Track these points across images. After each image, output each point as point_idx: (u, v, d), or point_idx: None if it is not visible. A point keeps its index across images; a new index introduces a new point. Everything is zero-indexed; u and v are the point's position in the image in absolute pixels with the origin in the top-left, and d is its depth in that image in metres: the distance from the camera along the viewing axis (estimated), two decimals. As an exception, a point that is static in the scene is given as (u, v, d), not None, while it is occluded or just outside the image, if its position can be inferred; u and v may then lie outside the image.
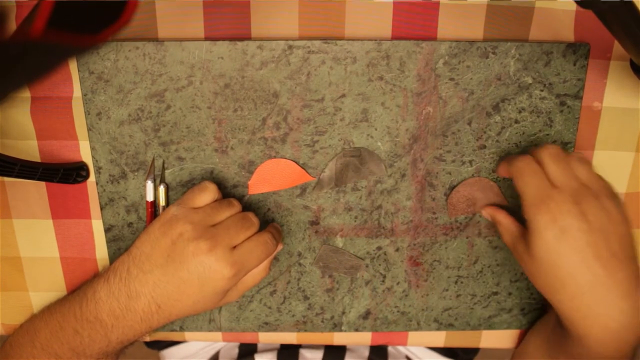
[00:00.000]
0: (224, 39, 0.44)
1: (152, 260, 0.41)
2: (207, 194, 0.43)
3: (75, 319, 0.43)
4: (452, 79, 0.46)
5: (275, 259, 0.51)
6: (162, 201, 0.48)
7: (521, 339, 0.56)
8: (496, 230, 0.48)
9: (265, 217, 0.49)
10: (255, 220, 0.43)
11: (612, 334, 0.38)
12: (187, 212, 0.42)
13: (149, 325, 0.42)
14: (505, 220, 0.45)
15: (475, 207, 0.50)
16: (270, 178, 0.48)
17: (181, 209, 0.42)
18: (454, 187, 0.49)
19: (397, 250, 0.51)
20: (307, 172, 0.48)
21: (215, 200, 0.44)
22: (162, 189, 0.47)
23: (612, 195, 0.41)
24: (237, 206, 0.44)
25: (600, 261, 0.38)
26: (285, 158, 0.47)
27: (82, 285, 0.46)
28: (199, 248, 0.39)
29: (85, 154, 0.48)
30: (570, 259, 0.38)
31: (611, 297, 0.38)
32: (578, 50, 0.45)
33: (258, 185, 0.48)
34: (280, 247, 0.46)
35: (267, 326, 0.53)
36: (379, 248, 0.51)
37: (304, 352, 0.63)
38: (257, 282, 0.45)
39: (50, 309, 0.47)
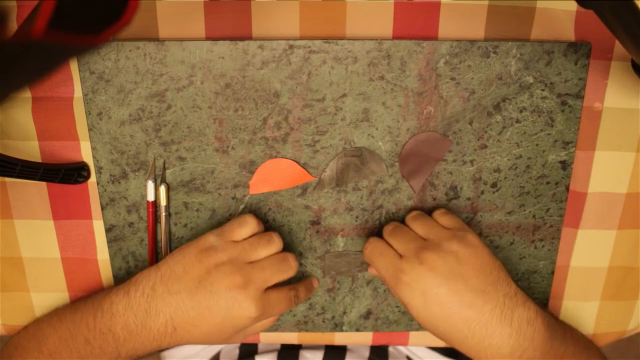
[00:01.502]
0: (224, 39, 0.44)
1: (182, 282, 0.41)
2: (247, 228, 0.43)
3: (88, 329, 0.43)
4: (453, 79, 0.46)
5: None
6: (162, 201, 0.48)
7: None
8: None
9: (266, 217, 0.49)
10: (293, 264, 0.44)
11: (507, 357, 0.40)
12: (226, 245, 0.42)
13: (159, 345, 0.42)
14: (384, 266, 0.45)
15: (426, 164, 0.48)
16: (271, 178, 0.48)
17: (221, 240, 0.42)
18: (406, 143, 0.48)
19: (398, 250, 0.51)
20: (308, 172, 0.48)
21: (256, 234, 0.44)
22: (162, 189, 0.47)
23: (455, 234, 0.42)
24: (277, 243, 0.44)
25: (464, 303, 0.39)
26: (286, 158, 0.47)
27: (94, 294, 0.46)
28: (233, 283, 0.40)
29: (86, 154, 0.48)
30: (441, 315, 0.40)
31: (490, 329, 0.39)
32: (579, 49, 0.45)
33: (259, 185, 0.48)
34: (316, 284, 0.51)
35: (268, 326, 0.53)
36: (380, 248, 0.51)
37: (304, 353, 0.63)
38: (264, 329, 0.46)
39: (59, 316, 0.46)
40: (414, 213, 0.46)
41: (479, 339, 0.40)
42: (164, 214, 0.48)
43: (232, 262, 0.41)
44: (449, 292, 0.39)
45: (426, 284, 0.40)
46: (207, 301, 0.40)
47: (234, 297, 0.40)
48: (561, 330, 0.44)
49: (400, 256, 0.42)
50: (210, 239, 0.43)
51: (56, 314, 0.47)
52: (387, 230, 0.46)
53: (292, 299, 0.45)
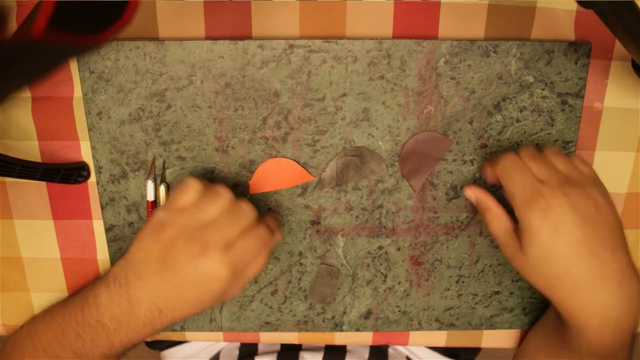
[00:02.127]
0: (224, 38, 0.44)
1: (147, 267, 0.40)
2: (191, 192, 0.41)
3: (77, 323, 0.43)
4: (453, 78, 0.46)
5: (276, 258, 0.51)
6: (162, 201, 0.48)
7: (523, 338, 0.56)
8: (481, 215, 0.46)
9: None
10: (248, 210, 0.41)
11: (610, 323, 0.39)
12: (174, 216, 0.40)
13: (153, 328, 0.42)
14: (497, 210, 0.43)
15: (427, 164, 0.48)
16: (271, 177, 0.48)
17: (168, 213, 0.40)
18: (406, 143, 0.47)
19: (398, 249, 0.51)
20: (308, 172, 0.48)
21: (203, 195, 0.41)
22: (162, 189, 0.47)
23: (597, 183, 0.41)
24: (224, 195, 0.41)
25: (594, 253, 0.38)
26: (286, 157, 0.47)
27: (83, 288, 0.46)
28: (191, 253, 0.38)
29: (86, 154, 0.48)
30: (566, 255, 0.38)
31: (607, 286, 0.38)
32: (579, 48, 0.45)
33: (259, 184, 0.48)
34: (279, 237, 0.45)
35: (268, 326, 0.53)
36: (380, 247, 0.51)
37: (304, 354, 0.63)
38: (257, 273, 0.44)
39: (51, 312, 0.46)
40: (554, 149, 0.42)
41: (592, 292, 0.38)
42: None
43: (184, 232, 0.39)
44: (584, 234, 0.37)
45: (564, 217, 0.37)
46: (176, 278, 0.39)
47: (197, 267, 0.38)
48: None
49: (540, 181, 0.39)
50: (159, 214, 0.41)
51: (49, 310, 0.47)
52: (526, 153, 0.41)
53: (264, 235, 0.41)
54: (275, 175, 0.48)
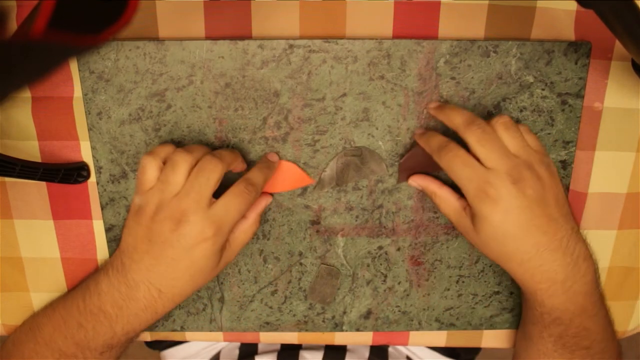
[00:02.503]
0: (224, 38, 0.44)
1: (138, 249, 0.41)
2: (149, 171, 0.41)
3: (79, 312, 0.43)
4: (453, 78, 0.46)
5: (276, 258, 0.51)
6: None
7: (522, 338, 0.56)
8: (431, 199, 0.47)
9: (266, 217, 0.49)
10: (215, 163, 0.40)
11: (558, 285, 0.41)
12: (146, 196, 0.41)
13: (155, 311, 0.42)
14: (442, 193, 0.45)
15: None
16: (272, 180, 0.48)
17: (139, 195, 0.42)
18: (406, 153, 0.48)
19: (398, 249, 0.51)
20: (308, 173, 0.48)
21: (164, 167, 0.41)
22: None
23: (543, 157, 0.42)
24: (184, 159, 0.40)
25: (541, 229, 0.40)
26: (286, 158, 0.47)
27: (83, 280, 0.46)
28: (172, 223, 0.39)
29: (86, 154, 0.48)
30: (515, 234, 0.40)
31: (555, 255, 0.40)
32: (579, 48, 0.45)
33: None
34: (269, 198, 0.47)
35: (268, 326, 0.53)
36: (380, 247, 0.51)
37: (304, 354, 0.63)
38: (250, 236, 0.45)
39: (52, 305, 0.47)
40: (505, 119, 0.42)
41: (540, 262, 0.41)
42: None
43: (160, 207, 0.40)
44: (531, 215, 0.39)
45: (512, 204, 0.39)
46: (165, 252, 0.40)
47: (181, 235, 0.39)
48: (601, 289, 0.45)
49: (486, 167, 0.40)
50: (134, 200, 0.42)
51: (50, 304, 0.48)
52: (475, 134, 0.41)
53: (244, 190, 0.41)
54: (275, 178, 0.48)
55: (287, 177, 0.48)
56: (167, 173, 0.41)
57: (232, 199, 0.41)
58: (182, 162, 0.40)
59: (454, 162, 0.41)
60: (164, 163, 0.42)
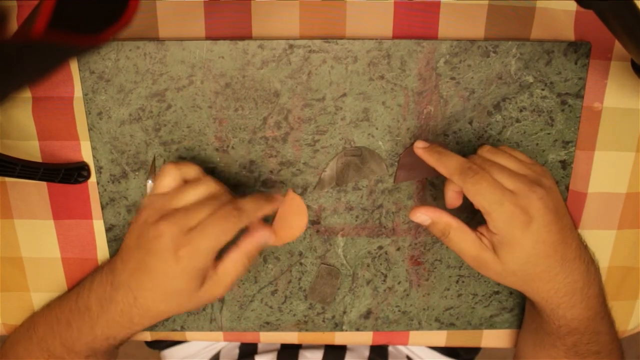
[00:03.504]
0: (224, 39, 0.44)
1: (129, 250, 0.40)
2: (168, 178, 0.40)
3: (70, 310, 0.43)
4: (453, 78, 0.46)
5: (276, 258, 0.51)
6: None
7: (522, 338, 0.56)
8: (441, 235, 0.42)
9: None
10: (220, 193, 0.39)
11: (578, 294, 0.41)
12: (152, 198, 0.40)
13: (130, 319, 0.41)
14: (459, 225, 0.41)
15: (416, 173, 0.48)
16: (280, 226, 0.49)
17: (149, 196, 0.41)
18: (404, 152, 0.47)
19: (398, 249, 0.51)
20: (308, 173, 0.48)
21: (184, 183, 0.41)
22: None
23: (545, 171, 0.42)
24: (206, 184, 0.39)
25: (565, 242, 0.40)
26: (287, 158, 0.47)
27: (82, 279, 0.47)
28: (157, 230, 0.37)
29: (86, 154, 0.48)
30: (546, 252, 0.39)
31: (574, 265, 0.41)
32: (579, 48, 0.45)
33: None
34: (270, 236, 0.41)
35: (268, 326, 0.53)
36: (380, 247, 0.51)
37: (304, 353, 0.63)
38: (240, 270, 0.41)
39: (49, 304, 0.47)
40: (488, 147, 0.41)
41: (565, 274, 0.40)
42: None
43: (155, 212, 0.39)
44: (557, 228, 0.39)
45: (543, 220, 0.38)
46: (145, 258, 0.38)
47: (159, 244, 0.37)
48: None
49: (511, 191, 0.38)
50: (143, 199, 0.42)
51: (48, 304, 0.48)
52: (485, 161, 0.40)
53: (228, 215, 0.38)
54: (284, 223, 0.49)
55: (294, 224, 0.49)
56: (184, 189, 0.39)
57: (212, 221, 0.38)
58: (205, 192, 0.39)
59: (483, 185, 0.38)
60: (185, 181, 0.41)
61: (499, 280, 0.42)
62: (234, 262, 0.40)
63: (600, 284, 0.43)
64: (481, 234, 0.41)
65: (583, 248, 0.42)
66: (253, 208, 0.40)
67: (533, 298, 0.43)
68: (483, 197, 0.38)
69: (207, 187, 0.40)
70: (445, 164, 0.40)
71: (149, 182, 0.47)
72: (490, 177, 0.39)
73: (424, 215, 0.42)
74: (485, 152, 0.41)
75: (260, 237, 0.41)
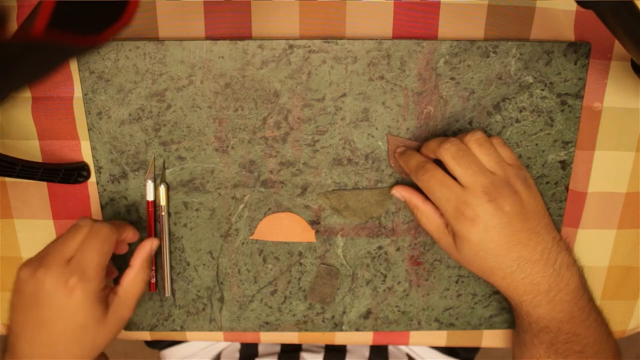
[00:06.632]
0: (224, 39, 0.44)
1: (18, 321, 0.39)
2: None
3: None
4: (452, 78, 0.46)
5: (276, 258, 0.51)
6: (162, 201, 0.48)
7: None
8: (412, 213, 0.46)
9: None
10: (84, 222, 0.41)
11: (542, 296, 0.42)
12: (24, 263, 0.40)
13: None
14: (425, 208, 0.44)
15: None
16: (275, 230, 0.49)
17: (21, 266, 0.40)
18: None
19: (397, 249, 0.51)
20: (308, 173, 0.48)
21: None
22: (162, 189, 0.47)
23: (519, 171, 0.42)
24: (78, 228, 0.40)
25: (522, 243, 0.40)
26: (286, 158, 0.47)
27: None
28: (37, 279, 0.38)
29: (86, 154, 0.48)
30: (496, 251, 0.40)
31: (536, 267, 0.41)
32: (579, 49, 0.45)
33: (262, 234, 0.50)
34: (154, 241, 0.45)
35: (268, 326, 0.53)
36: (380, 248, 0.51)
37: (304, 355, 0.63)
38: (141, 285, 0.43)
39: None
40: (478, 135, 0.41)
41: (524, 275, 0.41)
42: (163, 213, 0.48)
43: (38, 265, 0.39)
44: (510, 231, 0.39)
45: (491, 221, 0.39)
46: (40, 315, 0.38)
47: (47, 290, 0.38)
48: (590, 292, 0.45)
49: (463, 186, 0.40)
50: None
51: None
52: (449, 151, 0.40)
53: (100, 231, 0.40)
54: (279, 227, 0.49)
55: (290, 229, 0.49)
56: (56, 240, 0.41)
57: (89, 242, 0.40)
58: (78, 228, 0.41)
59: (431, 183, 0.41)
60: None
61: (463, 265, 0.44)
62: (132, 279, 0.43)
63: (580, 289, 0.42)
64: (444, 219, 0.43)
65: (557, 253, 0.41)
66: (118, 222, 0.44)
67: (500, 291, 0.44)
68: (432, 194, 0.41)
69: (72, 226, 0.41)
70: (408, 163, 0.44)
71: (149, 183, 0.47)
72: (441, 174, 0.41)
73: (398, 193, 0.47)
74: (471, 140, 0.41)
75: (146, 246, 0.45)
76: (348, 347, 0.65)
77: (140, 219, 0.49)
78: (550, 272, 0.41)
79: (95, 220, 0.42)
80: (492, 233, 0.39)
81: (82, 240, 0.40)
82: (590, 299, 0.44)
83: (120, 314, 0.42)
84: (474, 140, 0.41)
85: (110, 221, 0.43)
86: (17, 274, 0.39)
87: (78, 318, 0.39)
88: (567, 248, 0.43)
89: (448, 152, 0.41)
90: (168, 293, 0.51)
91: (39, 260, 0.39)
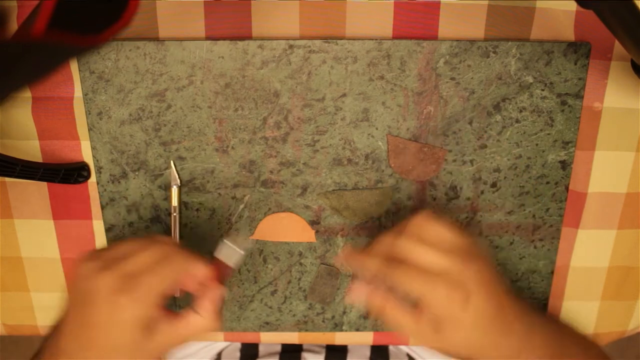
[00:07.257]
0: (224, 39, 0.44)
1: (68, 316, 0.38)
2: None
3: None
4: (452, 79, 0.46)
5: (276, 258, 0.51)
6: (174, 202, 0.48)
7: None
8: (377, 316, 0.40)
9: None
10: (164, 241, 0.39)
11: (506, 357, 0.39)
12: (91, 253, 0.39)
13: None
14: (402, 319, 0.38)
15: (410, 173, 0.48)
16: (275, 230, 0.49)
17: (87, 252, 0.39)
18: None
19: (398, 249, 0.51)
20: (307, 173, 0.48)
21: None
22: (174, 189, 0.47)
23: (468, 266, 0.38)
24: (154, 246, 0.38)
25: (499, 318, 0.38)
26: (286, 158, 0.47)
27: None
28: (95, 281, 0.36)
29: (86, 154, 0.48)
30: (485, 330, 0.38)
31: (507, 338, 0.39)
32: (579, 49, 0.45)
33: (262, 234, 0.50)
34: (222, 289, 0.40)
35: (268, 326, 0.53)
36: (380, 248, 0.51)
37: (305, 355, 0.63)
38: (203, 337, 0.40)
39: None
40: (420, 222, 0.38)
41: (495, 348, 0.39)
42: (175, 214, 0.48)
43: (99, 263, 0.37)
44: (496, 298, 0.38)
45: (480, 294, 0.37)
46: (89, 313, 0.37)
47: (96, 288, 0.36)
48: (559, 332, 0.43)
49: (437, 274, 0.36)
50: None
51: None
52: (391, 270, 0.37)
53: (168, 252, 0.38)
54: (279, 227, 0.49)
55: (290, 228, 0.49)
56: (124, 242, 0.39)
57: (155, 266, 0.37)
58: (159, 243, 0.39)
59: (409, 277, 0.36)
60: None
61: (438, 351, 0.40)
62: (199, 329, 0.39)
63: (553, 347, 0.41)
64: (420, 311, 0.38)
65: (521, 317, 0.40)
66: (193, 256, 0.39)
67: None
68: (413, 287, 0.36)
69: (149, 237, 0.39)
70: (368, 266, 0.39)
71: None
72: (414, 264, 0.37)
73: (356, 297, 0.40)
74: (415, 227, 0.39)
75: (217, 294, 0.40)
76: (349, 347, 0.65)
77: (140, 219, 0.49)
78: (519, 345, 0.39)
79: (175, 243, 0.40)
80: (481, 305, 0.37)
81: (156, 260, 0.37)
82: (562, 339, 0.43)
83: (167, 343, 0.39)
84: (420, 228, 0.38)
85: (187, 250, 0.39)
86: (79, 266, 0.38)
87: (116, 336, 0.37)
88: (521, 314, 0.40)
89: (391, 270, 0.37)
90: (177, 293, 0.50)
91: (105, 261, 0.37)
